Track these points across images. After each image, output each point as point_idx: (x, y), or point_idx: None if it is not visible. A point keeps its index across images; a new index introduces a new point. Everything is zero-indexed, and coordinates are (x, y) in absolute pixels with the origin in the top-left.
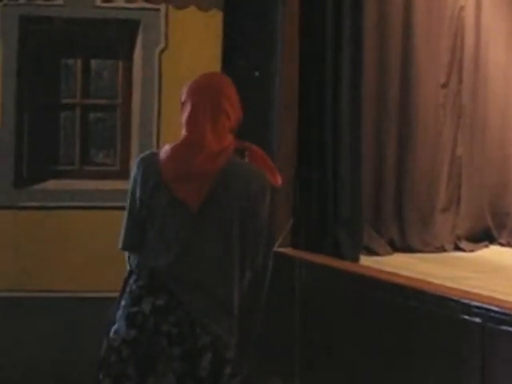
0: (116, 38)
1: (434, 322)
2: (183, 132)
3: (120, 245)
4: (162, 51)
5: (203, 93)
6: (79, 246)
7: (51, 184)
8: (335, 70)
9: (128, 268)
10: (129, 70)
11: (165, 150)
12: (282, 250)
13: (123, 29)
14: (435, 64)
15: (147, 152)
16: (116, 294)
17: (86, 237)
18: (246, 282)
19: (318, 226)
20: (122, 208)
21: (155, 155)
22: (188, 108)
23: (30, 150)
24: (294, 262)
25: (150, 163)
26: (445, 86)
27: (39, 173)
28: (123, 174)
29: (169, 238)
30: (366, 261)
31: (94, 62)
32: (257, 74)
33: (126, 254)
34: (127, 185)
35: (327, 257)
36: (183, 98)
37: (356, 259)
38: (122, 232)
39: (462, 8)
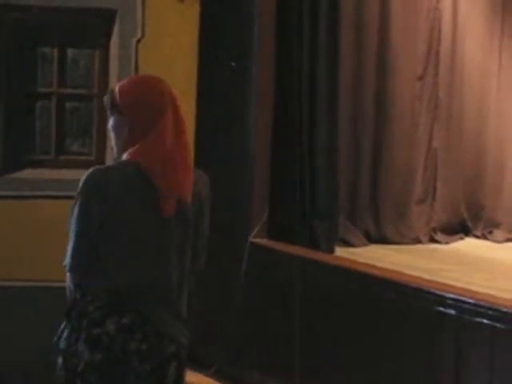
0: (93, 27)
1: (409, 313)
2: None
3: (68, 266)
4: (139, 41)
5: (167, 99)
6: (55, 235)
7: (27, 173)
8: (312, 60)
9: (72, 292)
10: (105, 60)
11: (132, 164)
12: (257, 240)
13: (100, 18)
14: (411, 56)
15: (96, 168)
16: None
17: (62, 226)
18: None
19: (293, 216)
20: None
21: (107, 170)
22: (155, 116)
23: (5, 139)
24: (270, 253)
25: (109, 179)
26: (421, 78)
27: (15, 162)
28: (99, 164)
29: (135, 251)
30: (341, 252)
31: (70, 51)
32: (234, 64)
33: (69, 278)
34: None
35: (303, 248)
36: (129, 102)
37: (331, 250)
38: (70, 252)
39: (438, 0)
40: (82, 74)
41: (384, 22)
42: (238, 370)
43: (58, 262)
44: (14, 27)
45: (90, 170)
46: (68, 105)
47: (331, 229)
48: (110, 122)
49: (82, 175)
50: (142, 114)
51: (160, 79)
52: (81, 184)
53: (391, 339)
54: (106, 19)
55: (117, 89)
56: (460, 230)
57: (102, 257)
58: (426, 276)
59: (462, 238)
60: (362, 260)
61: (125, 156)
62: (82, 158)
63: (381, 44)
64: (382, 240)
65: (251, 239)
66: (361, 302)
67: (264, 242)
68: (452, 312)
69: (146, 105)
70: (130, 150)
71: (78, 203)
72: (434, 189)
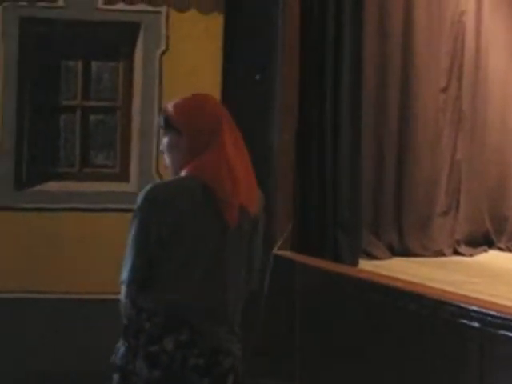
0: (117, 40)
1: (433, 326)
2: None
3: (126, 282)
4: (163, 53)
5: (222, 114)
6: (78, 247)
7: (51, 186)
8: (335, 72)
9: (127, 309)
10: (129, 73)
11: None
12: (281, 253)
13: (124, 31)
14: (435, 68)
15: (155, 184)
16: (115, 297)
17: (85, 238)
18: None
19: (317, 229)
20: (122, 210)
21: (166, 186)
22: (213, 131)
23: (30, 152)
24: (294, 266)
25: (169, 195)
26: (445, 90)
27: (39, 175)
28: (123, 176)
29: (193, 268)
30: (364, 265)
31: (94, 64)
32: (257, 77)
33: (124, 294)
34: (127, 187)
35: (326, 261)
36: (186, 120)
37: (355, 263)
38: (128, 268)
39: (462, 13)
40: (106, 86)
41: (407, 35)
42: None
43: (82, 274)
44: (39, 41)
45: (149, 185)
46: (92, 117)
47: (355, 241)
48: (165, 141)
49: (106, 187)
50: (200, 129)
51: (211, 96)
52: (139, 200)
53: (415, 352)
54: (130, 32)
55: (171, 108)
56: (484, 242)
57: (158, 273)
58: (450, 288)
59: (485, 251)
60: (385, 273)
61: (184, 172)
62: (106, 170)
63: (404, 56)
64: (406, 253)
65: (275, 252)
66: (384, 315)
67: (288, 254)
68: (476, 325)
69: (204, 121)
70: (189, 166)
71: (137, 219)
72: (458, 201)
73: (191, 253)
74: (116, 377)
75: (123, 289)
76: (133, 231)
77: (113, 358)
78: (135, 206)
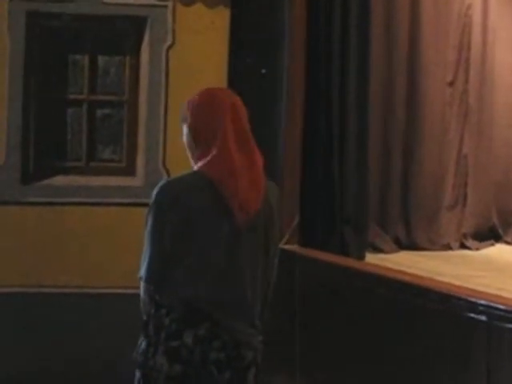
0: (123, 34)
1: (440, 320)
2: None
3: (144, 277)
4: (169, 48)
5: (226, 109)
6: (86, 241)
7: (58, 180)
8: (342, 67)
9: (146, 305)
10: (136, 67)
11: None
12: (288, 247)
13: (130, 25)
14: (442, 62)
15: (168, 180)
16: (122, 291)
17: (92, 232)
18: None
19: (324, 223)
20: (129, 204)
21: (179, 182)
22: (215, 127)
23: (36, 146)
24: (300, 260)
25: (181, 190)
26: (451, 84)
27: (46, 169)
28: (130, 171)
29: (209, 263)
30: (371, 258)
31: (101, 59)
32: (264, 71)
33: (143, 290)
34: (134, 181)
35: (333, 254)
36: (192, 114)
37: (362, 257)
38: (146, 263)
39: (469, 6)
40: (113, 80)
41: (414, 28)
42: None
43: (88, 268)
44: (45, 35)
45: (163, 181)
46: (99, 112)
47: (361, 235)
48: (183, 134)
49: (113, 182)
50: (203, 125)
51: (225, 91)
52: (154, 195)
53: (422, 345)
54: (136, 26)
55: (186, 102)
56: (490, 236)
57: (175, 268)
58: (457, 282)
59: (492, 244)
60: (392, 266)
61: (196, 167)
62: (113, 164)
63: (411, 50)
64: (413, 246)
65: (282, 246)
66: (391, 309)
67: (294, 248)
68: (483, 318)
69: (206, 119)
70: (200, 161)
71: (151, 214)
72: (465, 195)
73: (204, 249)
74: (138, 373)
75: (142, 285)
76: (148, 227)
77: (134, 354)
78: (150, 202)
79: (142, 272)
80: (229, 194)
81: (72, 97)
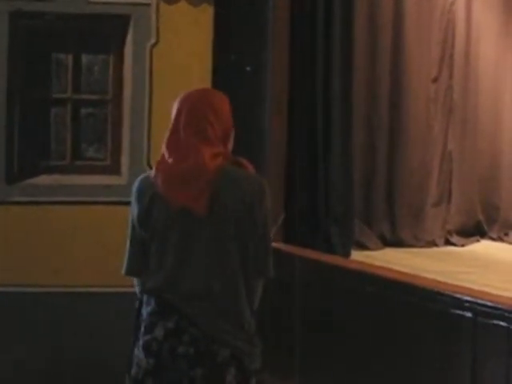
0: (107, 33)
1: (426, 316)
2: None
3: (123, 270)
4: (153, 46)
5: (192, 104)
6: (70, 240)
7: (42, 179)
8: (326, 63)
9: (138, 297)
10: (120, 65)
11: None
12: (273, 244)
13: (114, 24)
14: (426, 58)
15: (141, 175)
16: (108, 290)
17: (77, 232)
18: (256, 290)
19: (309, 221)
20: (113, 203)
21: (147, 176)
22: (179, 120)
23: (21, 145)
24: (286, 257)
25: (144, 182)
26: (435, 80)
27: (30, 168)
28: (114, 169)
29: (168, 253)
30: (357, 255)
31: (84, 57)
32: (248, 68)
33: (135, 283)
34: (118, 180)
35: (318, 252)
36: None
37: (347, 254)
38: (126, 257)
39: (452, 2)
40: (97, 79)
41: (398, 25)
42: None
43: (75, 267)
44: (28, 34)
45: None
46: (83, 111)
47: (346, 232)
48: None
49: (97, 180)
50: (172, 123)
51: (204, 93)
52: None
53: (407, 342)
54: (120, 25)
55: None
56: (476, 232)
57: (147, 262)
58: (442, 279)
59: (477, 241)
60: (377, 263)
61: None
62: (97, 163)
63: (395, 47)
64: (398, 243)
65: None
66: (376, 306)
67: (280, 246)
68: (468, 314)
69: (173, 117)
70: None
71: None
72: (450, 191)
73: (161, 242)
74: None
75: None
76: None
77: (129, 350)
78: None
79: (123, 267)
80: (164, 193)
81: (56, 96)
